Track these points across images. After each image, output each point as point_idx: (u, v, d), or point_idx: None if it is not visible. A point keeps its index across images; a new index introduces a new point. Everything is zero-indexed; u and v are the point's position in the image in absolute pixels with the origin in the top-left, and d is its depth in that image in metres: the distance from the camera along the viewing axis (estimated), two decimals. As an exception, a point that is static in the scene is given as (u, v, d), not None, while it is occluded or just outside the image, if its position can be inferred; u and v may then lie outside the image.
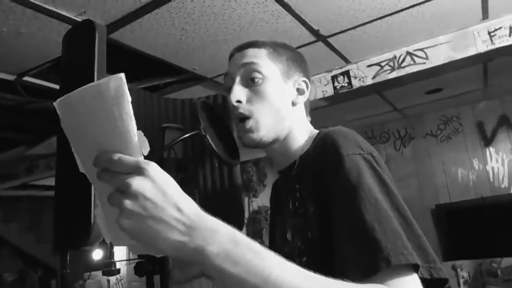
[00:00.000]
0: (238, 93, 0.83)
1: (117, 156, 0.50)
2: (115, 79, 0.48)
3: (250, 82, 0.83)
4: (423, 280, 0.58)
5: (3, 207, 5.39)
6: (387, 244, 0.57)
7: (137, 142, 0.51)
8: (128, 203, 0.49)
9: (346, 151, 0.68)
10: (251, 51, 0.85)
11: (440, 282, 0.61)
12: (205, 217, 0.51)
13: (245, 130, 0.83)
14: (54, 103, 0.51)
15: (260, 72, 0.83)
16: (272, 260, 0.50)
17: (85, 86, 0.49)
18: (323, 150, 0.73)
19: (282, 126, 0.84)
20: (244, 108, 0.83)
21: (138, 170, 0.49)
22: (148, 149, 0.53)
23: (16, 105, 2.51)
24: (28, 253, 5.48)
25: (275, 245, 0.97)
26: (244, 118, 0.83)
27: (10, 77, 2.15)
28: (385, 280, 0.55)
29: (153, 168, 0.50)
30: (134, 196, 0.48)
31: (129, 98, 0.49)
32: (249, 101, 0.83)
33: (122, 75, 0.49)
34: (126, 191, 0.49)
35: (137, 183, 0.49)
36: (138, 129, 1.03)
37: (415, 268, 0.57)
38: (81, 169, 0.55)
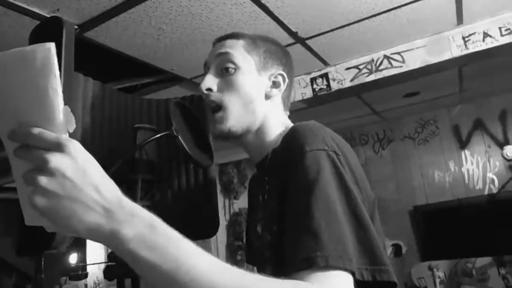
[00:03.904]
0: (209, 81, 0.83)
1: (37, 130, 0.47)
2: (42, 50, 0.45)
3: (224, 72, 0.84)
4: (364, 283, 0.58)
5: (-25, 210, 5.23)
6: (329, 244, 0.57)
7: (63, 119, 0.48)
8: (44, 180, 0.46)
9: (310, 146, 0.67)
10: (228, 42, 0.86)
11: (389, 285, 0.61)
12: (125, 202, 0.50)
13: (214, 120, 0.84)
14: None
15: (233, 62, 0.83)
16: (189, 249, 0.49)
17: (8, 51, 0.46)
18: (288, 144, 0.72)
19: (253, 117, 0.84)
20: (214, 96, 0.83)
21: (59, 147, 0.47)
22: (74, 126, 0.50)
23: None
24: (2, 258, 5.32)
25: (250, 243, 0.97)
26: (215, 108, 0.83)
27: (-19, 76, 2.08)
28: (317, 278, 0.55)
29: (75, 146, 0.48)
30: (52, 173, 0.46)
31: (57, 72, 0.46)
32: (220, 90, 0.83)
33: (52, 45, 0.45)
34: (43, 168, 0.46)
35: (56, 160, 0.46)
36: (108, 127, 1.01)
37: (351, 273, 0.57)
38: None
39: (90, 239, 0.50)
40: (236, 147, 0.91)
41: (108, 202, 0.48)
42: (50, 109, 0.47)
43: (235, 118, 0.82)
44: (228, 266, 0.51)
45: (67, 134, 0.49)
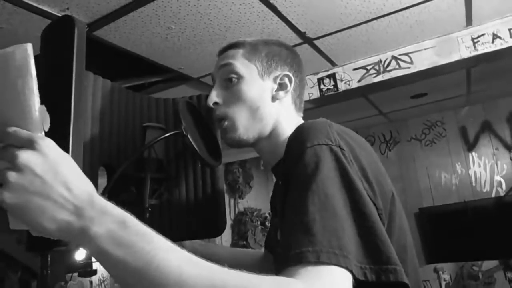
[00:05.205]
0: (214, 95, 0.86)
1: (12, 129, 0.48)
2: (21, 50, 0.47)
3: (227, 83, 0.86)
4: (375, 284, 0.53)
5: (-18, 207, 5.27)
6: (323, 239, 0.52)
7: (38, 118, 0.50)
8: (13, 175, 0.47)
9: (311, 142, 0.63)
10: (229, 52, 0.88)
11: (400, 284, 0.55)
12: (97, 199, 0.50)
13: (222, 130, 0.87)
14: None
15: (235, 72, 0.85)
16: (160, 245, 0.48)
17: None
18: (291, 143, 0.69)
19: (262, 123, 0.85)
20: (220, 110, 0.86)
21: (30, 144, 0.48)
22: (49, 125, 0.52)
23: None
24: (7, 254, 5.36)
25: (270, 248, 0.95)
26: (220, 119, 0.86)
27: (-10, 73, 2.10)
28: (308, 274, 0.50)
29: (47, 143, 0.49)
30: (21, 169, 0.47)
31: (34, 72, 0.48)
32: (226, 102, 0.86)
33: (29, 46, 0.48)
34: (13, 164, 0.47)
35: (26, 156, 0.47)
36: (117, 126, 1.01)
37: (349, 271, 0.52)
38: None
39: (61, 238, 0.50)
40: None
41: (79, 200, 0.48)
42: (26, 108, 0.49)
43: (244, 127, 0.84)
44: (201, 261, 0.49)
45: (43, 133, 0.51)
